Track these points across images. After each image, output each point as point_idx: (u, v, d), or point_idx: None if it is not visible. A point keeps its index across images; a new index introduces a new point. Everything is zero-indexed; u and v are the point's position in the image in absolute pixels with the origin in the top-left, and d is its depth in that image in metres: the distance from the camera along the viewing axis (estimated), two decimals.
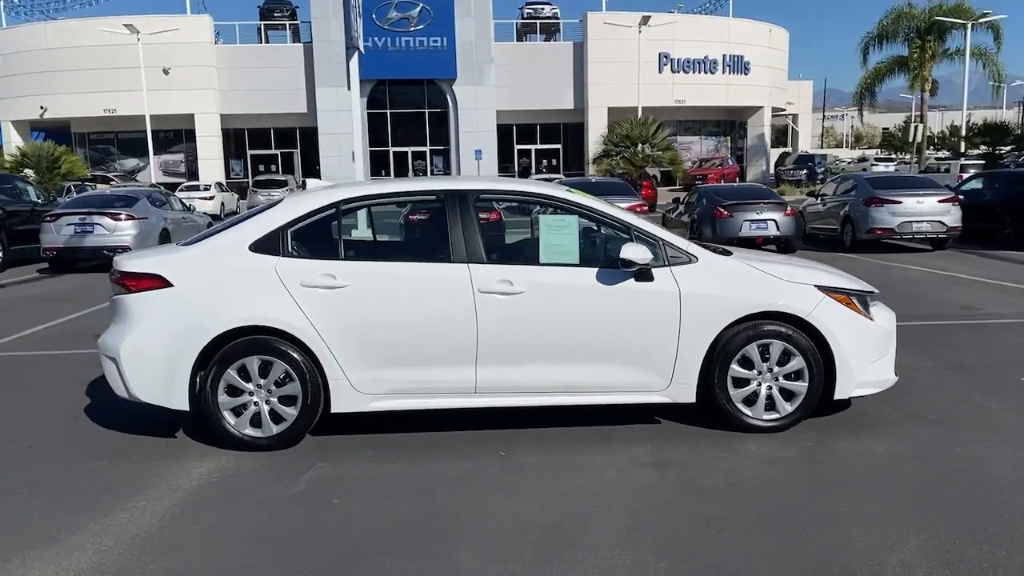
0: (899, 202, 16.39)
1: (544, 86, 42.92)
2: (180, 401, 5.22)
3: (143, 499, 4.52)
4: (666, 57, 43.62)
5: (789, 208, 16.89)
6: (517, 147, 45.60)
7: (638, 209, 17.51)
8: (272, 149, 44.26)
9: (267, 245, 5.29)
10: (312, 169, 41.95)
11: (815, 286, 5.40)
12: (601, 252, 5.46)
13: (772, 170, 49.12)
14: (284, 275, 5.20)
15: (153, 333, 5.24)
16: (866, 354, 5.40)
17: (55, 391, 6.84)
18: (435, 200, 5.56)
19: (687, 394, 5.33)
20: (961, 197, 17.01)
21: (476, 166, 39.76)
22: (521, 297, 5.18)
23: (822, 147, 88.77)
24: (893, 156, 61.29)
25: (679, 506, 4.29)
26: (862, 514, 4.12)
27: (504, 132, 43.65)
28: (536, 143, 46.08)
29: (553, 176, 35.04)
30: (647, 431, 5.47)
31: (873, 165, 52.77)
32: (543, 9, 46.22)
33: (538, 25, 46.39)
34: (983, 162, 39.64)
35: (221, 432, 5.23)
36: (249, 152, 44.26)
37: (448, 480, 4.74)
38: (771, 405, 5.35)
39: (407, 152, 43.65)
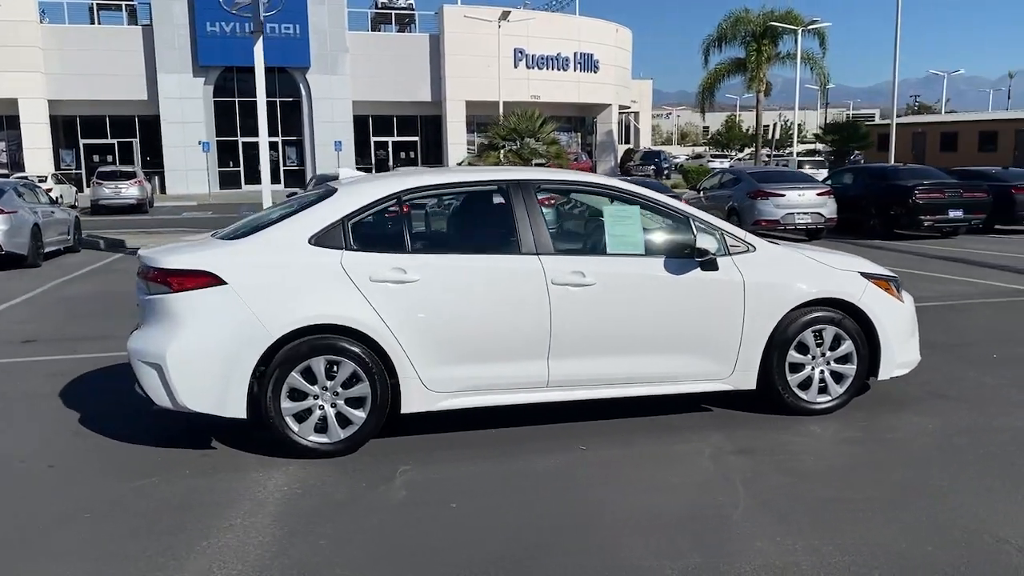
0: (783, 195, 17.46)
1: (401, 77, 42.38)
2: (236, 408, 4.78)
3: (235, 516, 4.10)
4: (521, 53, 44.21)
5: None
6: (373, 139, 44.82)
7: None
8: (108, 139, 41.11)
9: (329, 238, 4.93)
10: (156, 160, 39.47)
11: (859, 272, 5.66)
12: (664, 243, 5.47)
13: (620, 165, 50.91)
14: (351, 270, 4.87)
15: (205, 336, 4.77)
16: (903, 335, 5.72)
17: (25, 403, 6.10)
18: (498, 190, 5.38)
19: (749, 381, 5.44)
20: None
21: (335, 157, 38.73)
22: (593, 289, 5.10)
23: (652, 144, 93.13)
24: (726, 153, 65.14)
25: (798, 489, 4.38)
26: (967, 486, 4.36)
27: (360, 123, 42.79)
28: (393, 135, 45.47)
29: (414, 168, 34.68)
30: (705, 419, 5.54)
31: (709, 162, 55.77)
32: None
33: (393, 15, 45.72)
34: (820, 159, 42.82)
35: (284, 440, 4.83)
36: (82, 141, 40.89)
37: (546, 476, 4.61)
38: (824, 388, 5.56)
39: (257, 142, 41.80)
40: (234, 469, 4.74)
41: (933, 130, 42.74)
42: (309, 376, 4.82)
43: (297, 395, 4.82)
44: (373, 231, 5.09)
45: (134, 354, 4.90)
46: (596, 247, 5.39)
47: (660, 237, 5.45)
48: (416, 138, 45.83)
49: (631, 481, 4.56)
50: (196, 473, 4.69)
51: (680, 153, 79.84)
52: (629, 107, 56.37)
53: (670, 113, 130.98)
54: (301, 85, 40.96)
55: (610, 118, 50.72)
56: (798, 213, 17.44)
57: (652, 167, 47.18)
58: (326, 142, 39.80)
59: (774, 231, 17.83)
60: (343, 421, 4.89)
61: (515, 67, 43.61)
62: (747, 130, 76.98)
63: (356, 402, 4.89)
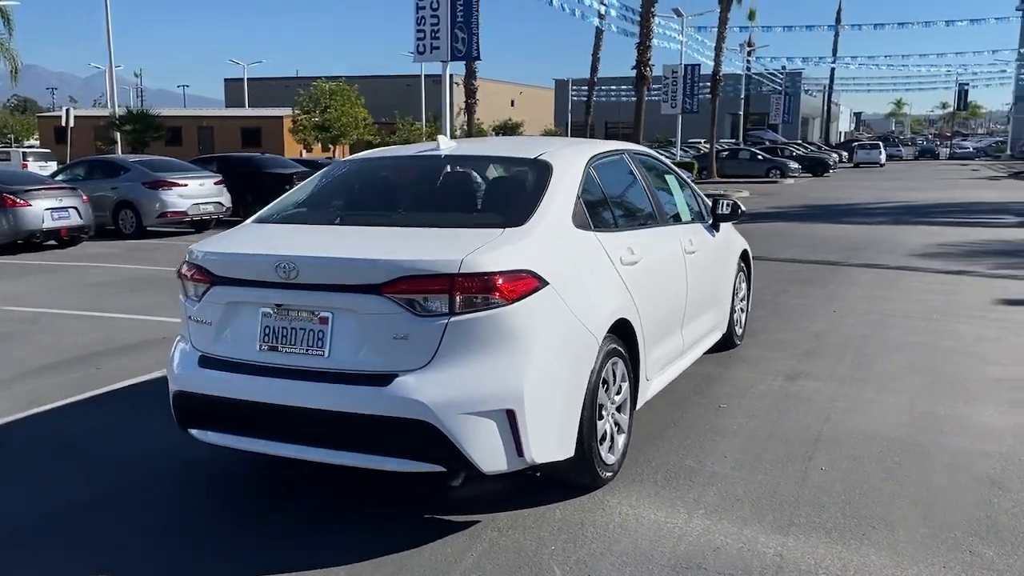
0: (185, 184, 16.54)
1: None
2: (568, 446, 3.65)
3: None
4: None
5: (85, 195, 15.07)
6: None
7: None
8: None
9: (582, 217, 4.07)
10: None
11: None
12: (694, 209, 5.90)
13: None
14: (611, 253, 4.14)
15: (550, 357, 3.54)
16: None
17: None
18: (632, 159, 5.09)
19: (728, 330, 6.36)
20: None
21: None
22: (697, 255, 5.37)
23: None
24: None
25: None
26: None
27: None
28: None
29: None
30: (720, 359, 6.35)
31: None
32: None
33: None
34: (48, 151, 39.42)
35: (578, 475, 3.92)
36: None
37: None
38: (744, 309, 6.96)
39: None
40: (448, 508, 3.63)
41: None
42: (604, 387, 3.97)
43: (598, 411, 3.92)
44: (595, 208, 4.31)
45: (448, 408, 3.25)
46: (677, 216, 5.54)
47: (692, 204, 5.90)
48: None
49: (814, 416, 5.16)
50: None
51: None
52: None
53: None
54: None
55: None
56: (203, 203, 16.77)
57: None
58: None
59: (182, 222, 16.84)
60: (616, 433, 4.16)
61: None
62: None
63: (620, 408, 4.20)
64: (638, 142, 28.02)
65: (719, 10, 36.08)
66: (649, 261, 4.56)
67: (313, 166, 19.78)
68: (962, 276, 10.63)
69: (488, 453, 3.38)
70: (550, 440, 3.54)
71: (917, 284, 10.11)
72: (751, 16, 49.76)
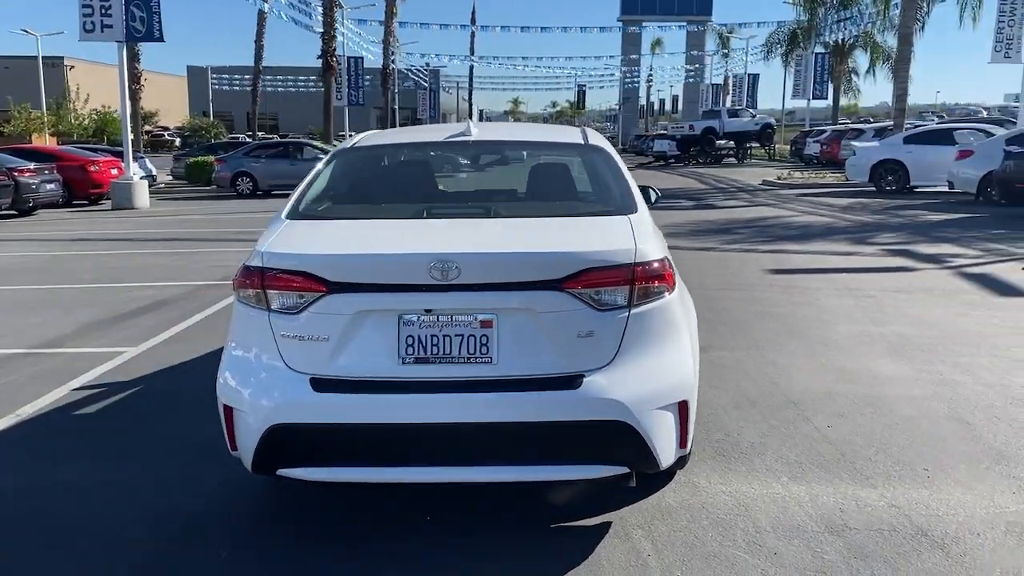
0: None
1: None
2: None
3: None
4: None
5: None
6: None
7: None
8: None
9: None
10: None
11: None
12: None
13: None
14: None
15: (694, 345, 3.57)
16: None
17: None
18: None
19: None
20: None
21: None
22: None
23: None
24: None
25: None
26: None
27: None
28: None
29: None
30: None
31: None
32: None
33: None
34: None
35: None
36: None
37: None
38: None
39: None
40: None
41: None
42: None
43: None
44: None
45: (641, 404, 3.11)
46: None
47: None
48: None
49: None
50: None
51: None
52: None
53: None
54: None
55: None
56: None
57: None
58: None
59: None
60: None
61: None
62: None
63: None
64: (328, 135, 27.48)
65: (386, 4, 36.40)
66: None
67: None
68: (709, 252, 11.96)
69: (666, 448, 3.27)
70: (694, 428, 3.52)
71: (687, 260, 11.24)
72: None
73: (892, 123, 26.45)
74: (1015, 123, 23.73)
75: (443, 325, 3.13)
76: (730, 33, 67.19)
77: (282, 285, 3.18)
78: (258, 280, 3.23)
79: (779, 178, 26.54)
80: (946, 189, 19.47)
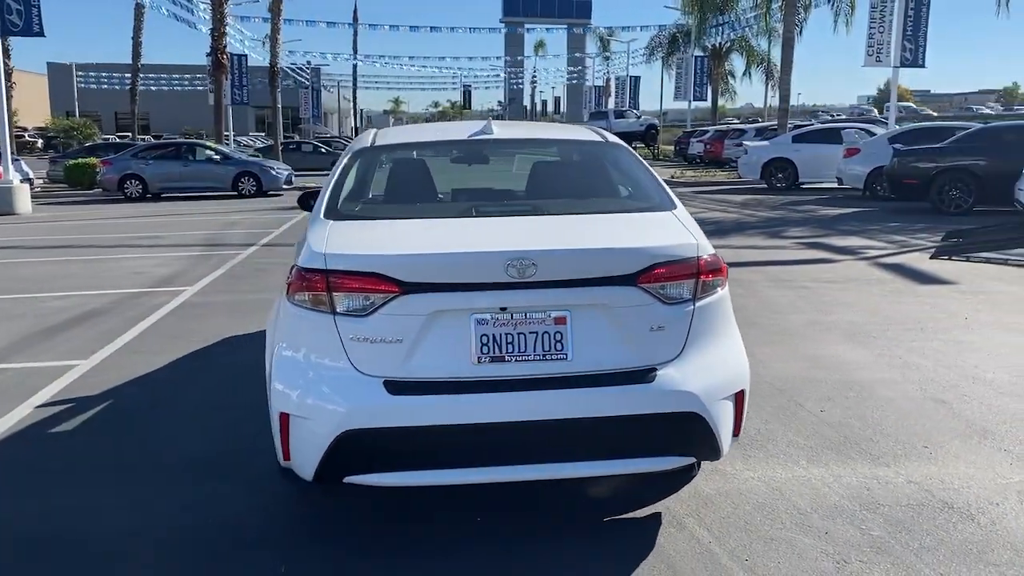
0: None
1: None
2: None
3: None
4: None
5: None
6: None
7: None
8: None
9: None
10: None
11: None
12: None
13: None
14: None
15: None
16: None
17: None
18: None
19: None
20: None
21: None
22: None
23: None
24: None
25: None
26: None
27: None
28: None
29: None
30: None
31: None
32: None
33: None
34: None
35: None
36: None
37: None
38: None
39: None
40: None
41: None
42: None
43: None
44: None
45: (711, 395, 3.19)
46: None
47: None
48: None
49: None
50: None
51: None
52: None
53: None
54: None
55: None
56: None
57: None
58: None
59: None
60: None
61: None
62: None
63: None
64: (220, 134, 26.50)
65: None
66: None
67: None
68: None
69: (726, 437, 3.36)
70: None
71: None
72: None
73: (776, 123, 27.81)
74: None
75: (517, 323, 3.11)
76: (610, 36, 68.94)
77: (351, 287, 3.09)
78: (321, 282, 3.12)
79: (673, 176, 27.41)
80: (834, 185, 20.61)
